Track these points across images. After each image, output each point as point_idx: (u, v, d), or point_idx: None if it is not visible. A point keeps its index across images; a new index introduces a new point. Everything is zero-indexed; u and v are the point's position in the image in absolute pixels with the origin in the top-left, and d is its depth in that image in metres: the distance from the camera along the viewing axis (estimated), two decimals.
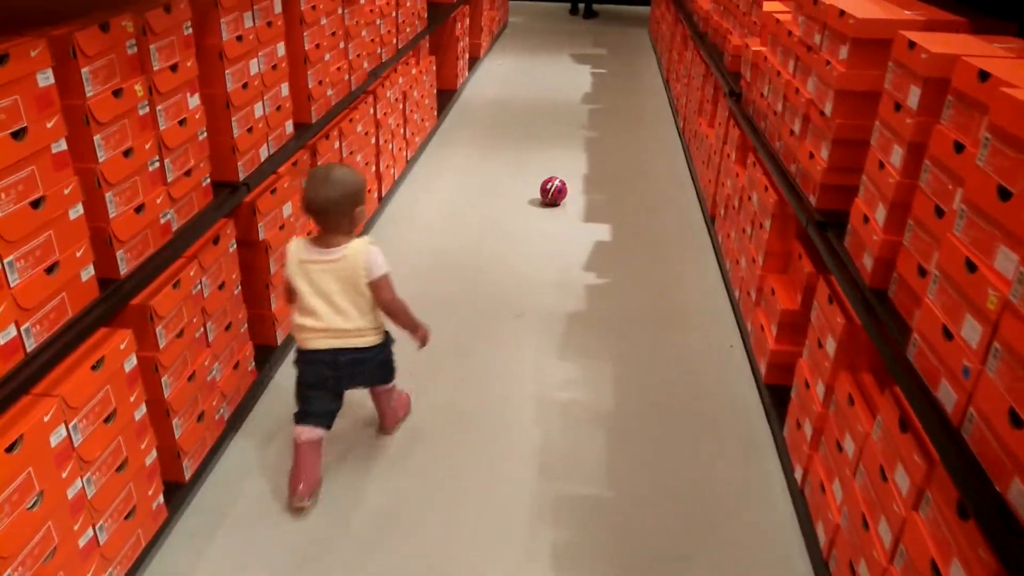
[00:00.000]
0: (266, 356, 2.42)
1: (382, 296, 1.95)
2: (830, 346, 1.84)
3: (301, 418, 1.98)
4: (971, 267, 1.23)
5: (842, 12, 1.87)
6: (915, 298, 1.49)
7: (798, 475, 2.02)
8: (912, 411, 1.37)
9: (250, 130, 2.18)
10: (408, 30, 3.95)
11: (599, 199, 3.94)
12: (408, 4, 3.90)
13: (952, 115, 1.39)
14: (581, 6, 8.76)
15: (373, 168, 3.49)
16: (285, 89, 2.41)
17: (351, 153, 3.10)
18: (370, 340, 1.98)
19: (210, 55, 1.98)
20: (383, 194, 3.69)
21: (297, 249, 1.92)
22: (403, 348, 2.15)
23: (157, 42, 1.67)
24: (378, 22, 3.40)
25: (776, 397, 2.33)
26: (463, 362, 2.60)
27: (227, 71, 2.02)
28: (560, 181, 3.81)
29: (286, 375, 2.49)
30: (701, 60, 4.12)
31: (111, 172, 1.54)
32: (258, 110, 2.22)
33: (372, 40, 3.33)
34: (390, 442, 2.22)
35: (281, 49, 2.35)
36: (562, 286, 3.10)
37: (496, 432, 2.28)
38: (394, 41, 3.70)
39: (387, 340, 2.06)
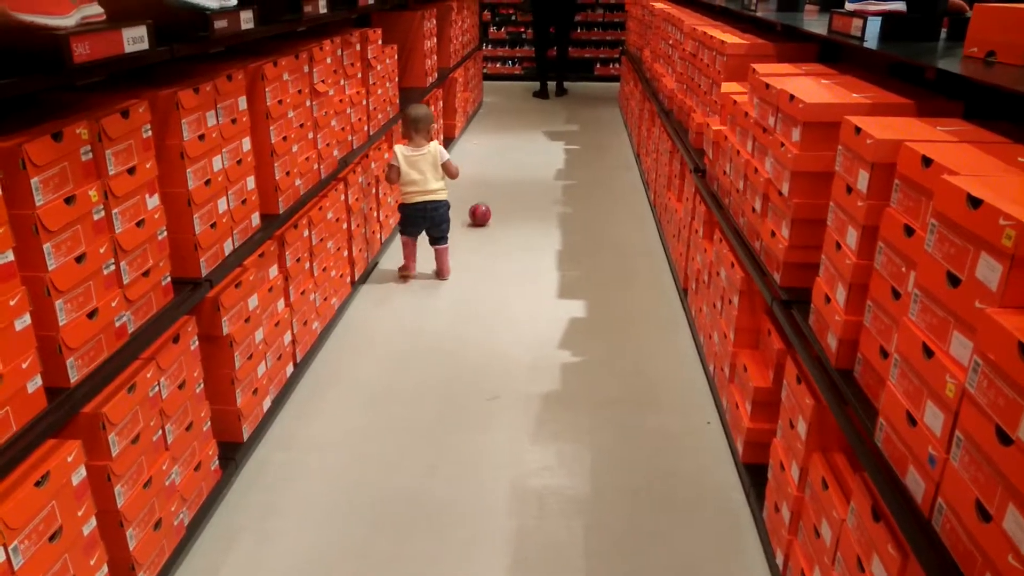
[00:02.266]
0: (231, 453, 2.35)
1: (449, 169, 3.80)
2: (801, 427, 1.81)
3: (405, 233, 3.86)
4: (928, 352, 1.22)
5: (792, 97, 1.92)
6: (880, 380, 1.47)
7: (779, 560, 1.96)
8: (882, 500, 1.34)
9: (213, 225, 2.17)
10: (380, 116, 4.02)
11: (573, 274, 3.95)
12: (379, 92, 3.98)
13: (901, 199, 1.41)
14: (552, 85, 8.95)
15: (345, 253, 3.49)
16: (251, 182, 2.42)
17: (321, 240, 3.10)
18: (442, 196, 3.79)
19: (171, 155, 1.99)
20: (355, 278, 3.68)
21: (402, 150, 3.74)
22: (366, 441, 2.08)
23: (113, 147, 1.68)
24: (348, 111, 3.45)
25: (755, 476, 2.28)
26: (435, 449, 2.54)
27: (188, 169, 2.02)
28: (485, 206, 4.69)
29: (254, 471, 2.42)
30: (668, 136, 4.21)
31: (62, 279, 1.51)
32: (222, 205, 2.23)
33: (342, 129, 3.38)
34: (358, 534, 2.14)
35: (247, 144, 2.37)
36: (537, 366, 3.07)
37: (469, 523, 2.21)
38: (365, 128, 3.76)
39: (448, 202, 3.82)
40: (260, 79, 2.48)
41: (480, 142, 6.79)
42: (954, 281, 1.16)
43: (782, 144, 1.99)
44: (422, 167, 3.72)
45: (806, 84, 2.08)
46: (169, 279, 1.97)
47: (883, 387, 1.39)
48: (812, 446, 1.78)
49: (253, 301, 2.43)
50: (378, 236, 4.08)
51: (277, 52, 2.75)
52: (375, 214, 3.99)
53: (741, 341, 2.50)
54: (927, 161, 1.32)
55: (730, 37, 3.09)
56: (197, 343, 2.10)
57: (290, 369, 2.83)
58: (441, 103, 5.94)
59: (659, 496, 2.34)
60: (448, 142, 6.36)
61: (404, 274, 3.90)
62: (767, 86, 2.12)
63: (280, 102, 2.61)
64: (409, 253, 3.89)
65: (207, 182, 2.12)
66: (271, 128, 2.57)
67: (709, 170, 3.00)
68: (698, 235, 3.23)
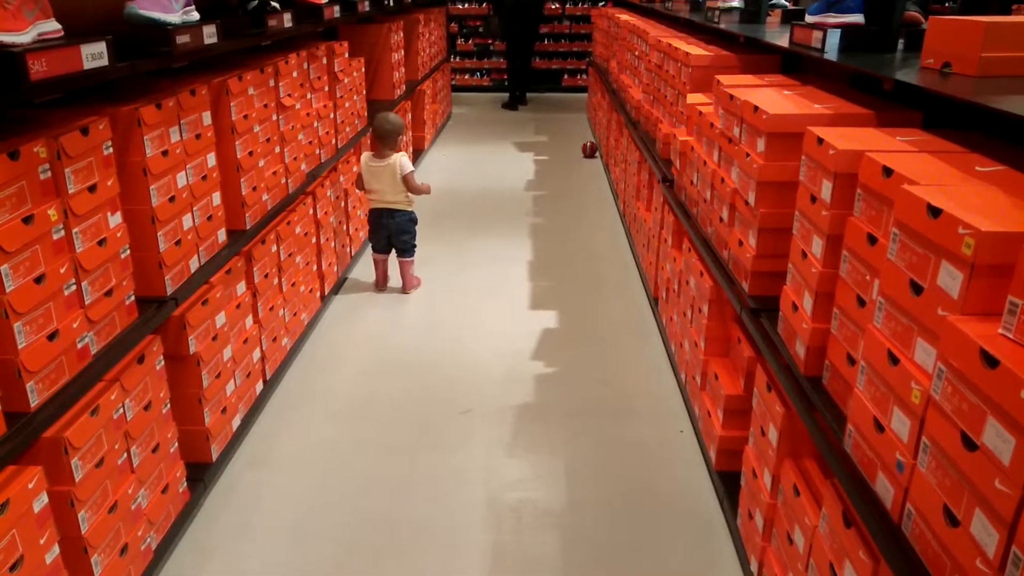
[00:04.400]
0: (200, 474, 2.30)
1: (408, 183, 3.73)
2: (772, 435, 1.82)
3: (375, 250, 3.89)
4: (893, 359, 1.23)
5: (756, 108, 1.94)
6: (848, 387, 1.49)
7: (753, 567, 1.97)
8: (852, 506, 1.35)
9: (178, 243, 2.14)
10: (348, 129, 3.99)
11: (545, 285, 3.96)
12: (347, 105, 3.96)
13: (863, 208, 1.43)
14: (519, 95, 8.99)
15: (315, 267, 3.45)
16: (217, 198, 2.39)
17: (290, 255, 3.07)
18: (400, 206, 3.78)
19: (134, 171, 1.95)
20: (326, 292, 3.64)
21: (366, 158, 3.77)
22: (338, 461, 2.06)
23: (73, 165, 1.64)
24: (316, 124, 3.43)
25: (728, 484, 2.30)
26: (408, 464, 2.52)
27: (152, 187, 1.99)
28: (590, 142, 6.44)
29: (224, 492, 2.38)
30: (635, 146, 4.24)
31: (20, 301, 1.48)
32: (187, 222, 2.19)
33: (310, 143, 3.35)
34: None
35: (211, 159, 2.34)
36: (510, 378, 3.06)
37: (444, 539, 2.19)
38: (333, 141, 3.73)
39: (411, 214, 3.82)
40: (225, 94, 2.45)
41: (449, 153, 6.79)
42: (917, 289, 1.18)
43: (747, 155, 2.02)
44: (381, 177, 3.73)
45: (769, 95, 2.11)
46: (133, 298, 1.93)
47: (851, 394, 1.40)
48: (783, 453, 1.79)
49: (220, 318, 2.39)
50: (348, 249, 4.05)
51: (242, 66, 2.72)
52: (345, 227, 3.97)
53: (712, 349, 2.52)
54: (888, 171, 1.34)
55: (695, 49, 3.13)
56: (163, 363, 2.06)
57: (259, 387, 2.79)
58: (410, 115, 5.93)
59: (634, 506, 2.34)
60: (417, 154, 6.35)
61: (378, 289, 3.93)
62: (731, 97, 2.15)
63: (246, 117, 2.59)
64: (379, 271, 3.92)
65: (171, 199, 2.09)
66: (237, 143, 2.54)
67: (677, 180, 3.03)
68: (667, 244, 3.26)
